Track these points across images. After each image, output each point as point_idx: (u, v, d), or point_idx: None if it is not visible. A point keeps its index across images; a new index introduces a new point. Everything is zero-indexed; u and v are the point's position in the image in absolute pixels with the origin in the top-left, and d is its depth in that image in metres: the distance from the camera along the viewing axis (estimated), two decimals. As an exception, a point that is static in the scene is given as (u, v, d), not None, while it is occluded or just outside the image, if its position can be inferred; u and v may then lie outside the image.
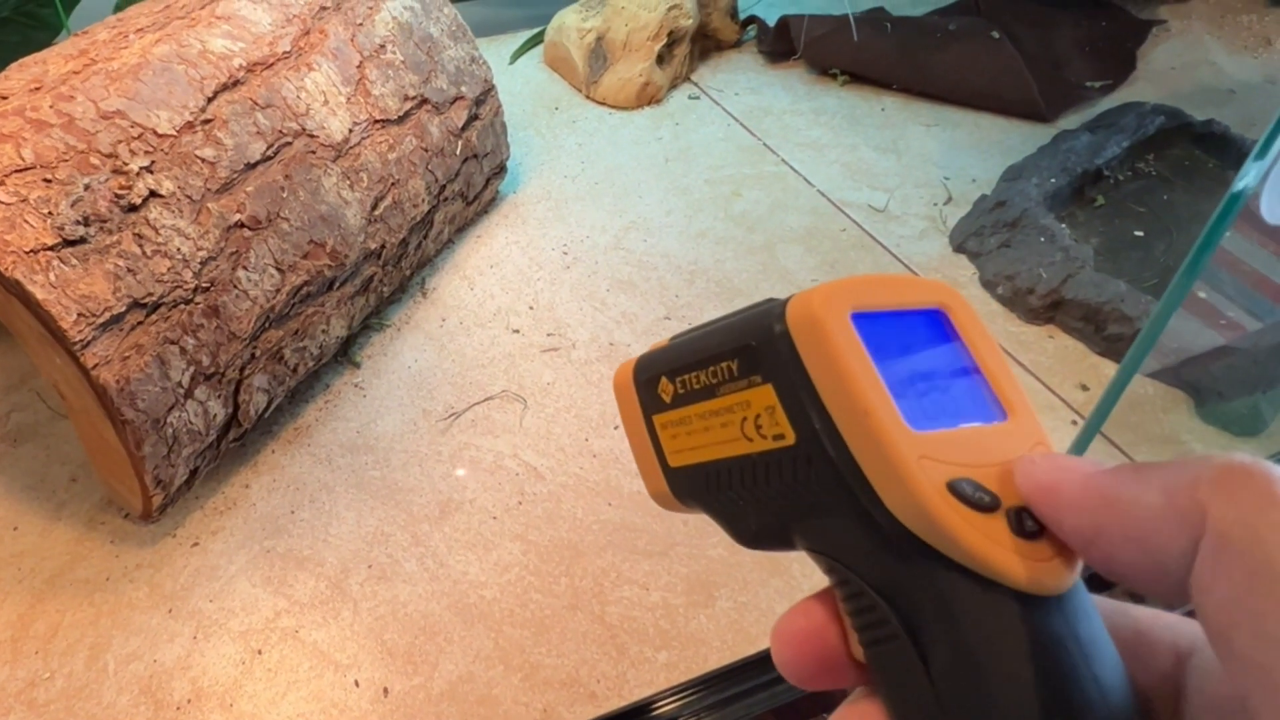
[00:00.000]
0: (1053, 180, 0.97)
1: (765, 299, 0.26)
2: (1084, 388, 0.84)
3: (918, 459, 0.22)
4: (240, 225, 0.67)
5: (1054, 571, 0.21)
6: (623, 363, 0.29)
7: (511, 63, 1.23)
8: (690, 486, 0.28)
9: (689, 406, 0.27)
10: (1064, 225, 0.93)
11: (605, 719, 0.57)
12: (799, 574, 0.67)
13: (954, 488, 0.22)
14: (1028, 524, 0.22)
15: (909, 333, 0.25)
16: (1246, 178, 0.37)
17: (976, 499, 0.22)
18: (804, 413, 0.24)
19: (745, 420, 0.25)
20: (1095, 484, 0.20)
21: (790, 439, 0.24)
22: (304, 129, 0.73)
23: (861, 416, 0.23)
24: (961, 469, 0.22)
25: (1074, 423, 0.82)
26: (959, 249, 0.94)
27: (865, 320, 0.24)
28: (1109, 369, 0.86)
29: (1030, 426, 0.24)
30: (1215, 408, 0.81)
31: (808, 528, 0.24)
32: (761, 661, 0.60)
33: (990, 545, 0.21)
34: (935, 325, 0.25)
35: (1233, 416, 0.80)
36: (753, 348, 0.25)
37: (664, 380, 0.28)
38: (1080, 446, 0.48)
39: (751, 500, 0.26)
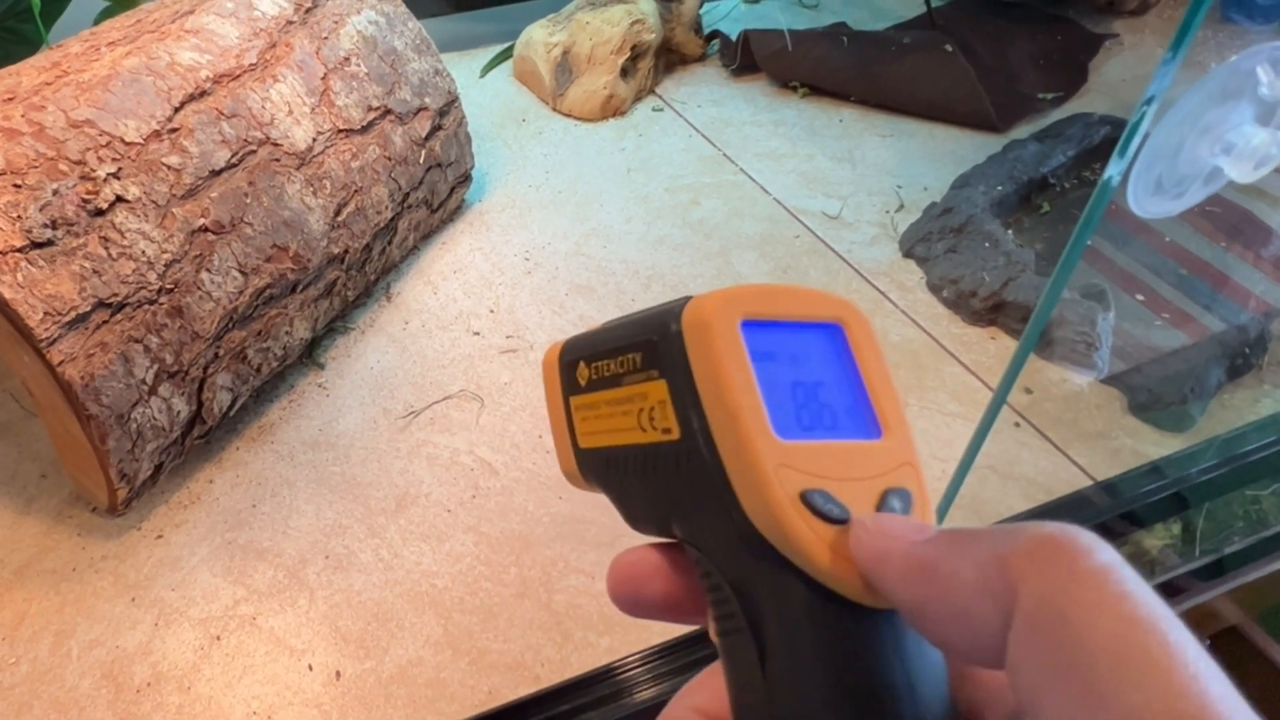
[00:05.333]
0: (999, 188, 1.01)
1: (682, 296, 0.27)
2: (1027, 390, 0.88)
3: (776, 466, 0.23)
4: (204, 229, 0.70)
5: None
6: (553, 343, 0.30)
7: (481, 76, 1.26)
8: (595, 468, 0.29)
9: (599, 392, 0.28)
10: (1009, 231, 0.97)
11: (546, 693, 0.60)
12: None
13: (806, 498, 0.22)
14: None
15: (798, 344, 0.26)
16: (1111, 172, 0.40)
17: (826, 510, 0.22)
18: (687, 411, 0.25)
19: (642, 411, 0.26)
20: (916, 556, 0.20)
21: (675, 434, 0.25)
22: (268, 138, 0.76)
23: (730, 420, 0.23)
24: (819, 480, 0.23)
25: (1016, 425, 0.86)
26: (907, 254, 0.98)
27: (756, 328, 0.25)
28: (1051, 371, 0.89)
29: (902, 447, 0.25)
30: (1149, 409, 0.84)
31: (683, 519, 0.25)
32: (695, 640, 0.63)
33: (831, 555, 0.22)
34: (829, 340, 0.26)
35: (1163, 415, 0.83)
36: (653, 343, 0.26)
37: (582, 365, 0.29)
38: (980, 434, 0.51)
39: (641, 487, 0.27)
